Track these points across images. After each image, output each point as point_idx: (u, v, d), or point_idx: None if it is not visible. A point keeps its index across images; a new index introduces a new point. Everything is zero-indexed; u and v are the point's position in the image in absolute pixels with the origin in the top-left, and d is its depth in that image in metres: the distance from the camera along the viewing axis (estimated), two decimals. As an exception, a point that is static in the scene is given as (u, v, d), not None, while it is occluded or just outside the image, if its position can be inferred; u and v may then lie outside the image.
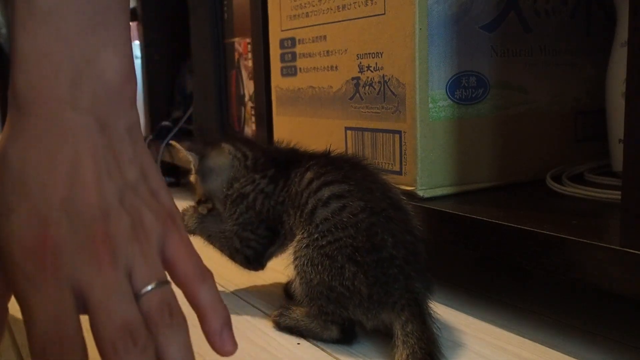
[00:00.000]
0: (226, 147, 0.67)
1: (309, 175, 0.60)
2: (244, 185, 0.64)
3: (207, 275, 0.42)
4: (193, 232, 0.68)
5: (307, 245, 0.57)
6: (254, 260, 0.67)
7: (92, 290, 0.36)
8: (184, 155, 0.68)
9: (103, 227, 0.37)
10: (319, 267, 0.55)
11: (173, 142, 0.71)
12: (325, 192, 0.57)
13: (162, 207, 0.41)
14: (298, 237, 0.58)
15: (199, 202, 0.69)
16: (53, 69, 0.40)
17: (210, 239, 0.69)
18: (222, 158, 0.66)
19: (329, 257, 0.55)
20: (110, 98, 0.42)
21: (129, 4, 0.46)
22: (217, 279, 0.78)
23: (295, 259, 0.58)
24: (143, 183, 0.41)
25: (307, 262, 0.56)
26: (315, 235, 0.56)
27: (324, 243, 0.56)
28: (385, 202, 0.57)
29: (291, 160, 0.64)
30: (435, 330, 0.53)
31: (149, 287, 0.38)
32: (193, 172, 0.68)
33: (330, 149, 0.64)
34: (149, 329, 0.37)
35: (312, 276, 0.56)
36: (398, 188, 0.62)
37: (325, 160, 0.62)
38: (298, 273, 0.57)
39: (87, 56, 0.42)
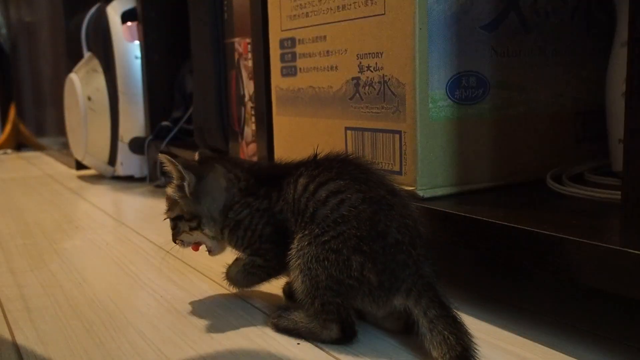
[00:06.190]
0: (220, 168, 0.66)
1: (302, 180, 0.60)
2: (240, 212, 0.64)
3: None
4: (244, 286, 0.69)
5: (310, 243, 0.57)
6: (276, 268, 0.65)
7: None
8: (174, 170, 0.65)
9: None
10: (325, 262, 0.56)
11: (162, 156, 0.65)
12: (322, 193, 0.58)
13: None
14: (298, 237, 0.59)
15: (177, 219, 0.67)
16: None
17: (260, 279, 0.67)
18: (220, 181, 0.66)
19: (334, 251, 0.55)
20: None
21: None
22: (216, 279, 0.78)
23: (297, 258, 0.58)
24: None
25: (312, 259, 0.56)
26: (316, 231, 0.57)
27: (327, 238, 0.56)
28: (383, 190, 0.58)
29: (277, 174, 0.64)
30: (456, 313, 0.54)
31: None
32: (185, 189, 0.65)
33: (317, 152, 0.63)
34: None
35: (318, 272, 0.56)
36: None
37: (314, 164, 0.62)
38: (302, 271, 0.57)
39: None
